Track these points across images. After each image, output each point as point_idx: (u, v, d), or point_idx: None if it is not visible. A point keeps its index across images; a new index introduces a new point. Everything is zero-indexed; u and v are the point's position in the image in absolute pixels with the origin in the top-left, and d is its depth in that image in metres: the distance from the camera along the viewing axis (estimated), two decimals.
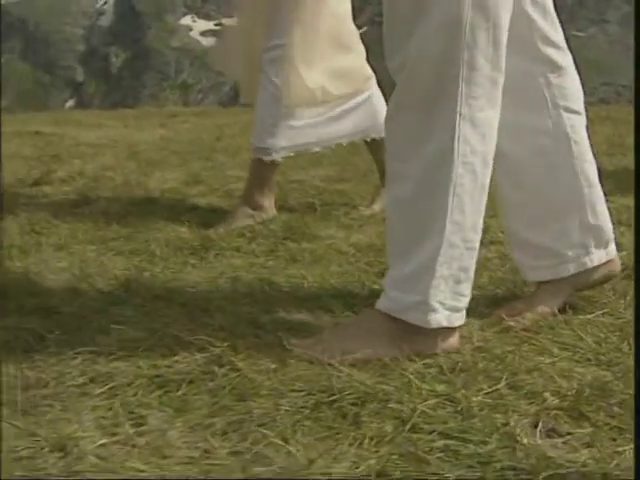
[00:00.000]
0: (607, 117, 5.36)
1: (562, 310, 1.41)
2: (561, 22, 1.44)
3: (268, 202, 2.30)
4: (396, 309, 1.24)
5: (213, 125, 5.61)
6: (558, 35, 1.41)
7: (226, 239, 2.00)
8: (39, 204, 2.61)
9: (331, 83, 2.29)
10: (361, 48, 2.38)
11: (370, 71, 2.40)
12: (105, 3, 38.30)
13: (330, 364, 1.14)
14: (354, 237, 1.99)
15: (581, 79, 1.48)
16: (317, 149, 2.38)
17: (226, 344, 1.20)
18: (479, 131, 1.22)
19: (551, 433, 0.96)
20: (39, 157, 3.90)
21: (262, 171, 2.30)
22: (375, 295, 1.51)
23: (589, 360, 1.21)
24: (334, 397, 1.03)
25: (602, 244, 1.46)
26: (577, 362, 1.20)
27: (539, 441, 0.93)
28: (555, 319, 1.38)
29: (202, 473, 0.87)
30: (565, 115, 1.42)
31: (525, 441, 0.92)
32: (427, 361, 1.16)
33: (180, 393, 1.08)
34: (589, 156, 1.45)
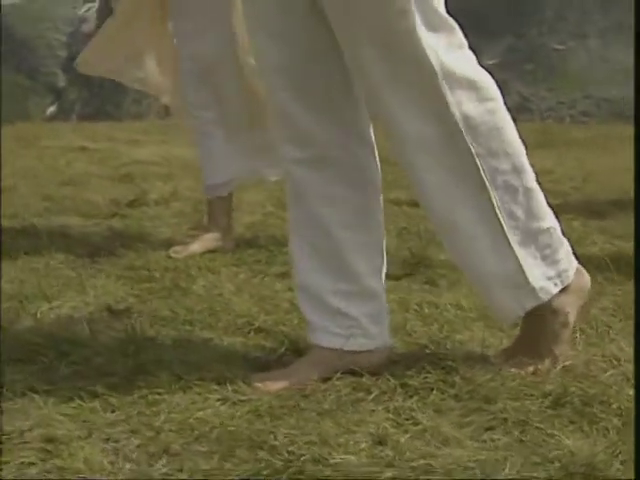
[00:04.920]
0: (592, 139, 5.66)
1: None
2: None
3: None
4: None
5: None
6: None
7: None
8: (157, 225, 2.85)
9: None
10: None
11: None
12: (88, 10, 38.38)
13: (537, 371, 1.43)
14: None
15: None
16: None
17: (451, 360, 1.48)
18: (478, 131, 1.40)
19: None
20: (111, 177, 4.14)
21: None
22: None
23: None
24: (566, 399, 1.32)
25: None
26: None
27: None
28: None
29: (499, 461, 1.15)
30: (375, 193, 1.57)
31: None
32: None
33: (431, 399, 1.36)
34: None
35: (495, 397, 1.34)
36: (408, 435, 1.21)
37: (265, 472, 1.09)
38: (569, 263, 1.51)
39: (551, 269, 1.47)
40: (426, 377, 1.42)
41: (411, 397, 1.36)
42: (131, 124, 8.88)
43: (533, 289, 1.45)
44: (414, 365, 1.47)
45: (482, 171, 1.41)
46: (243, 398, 1.33)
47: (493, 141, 1.41)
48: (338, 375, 1.42)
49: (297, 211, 1.54)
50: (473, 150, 1.40)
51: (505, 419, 1.27)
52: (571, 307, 1.50)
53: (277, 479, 1.06)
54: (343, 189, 1.51)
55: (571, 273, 1.50)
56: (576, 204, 3.21)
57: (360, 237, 1.53)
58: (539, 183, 1.49)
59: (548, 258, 1.47)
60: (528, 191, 1.45)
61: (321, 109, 1.48)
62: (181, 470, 1.11)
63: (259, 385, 1.39)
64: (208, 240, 2.47)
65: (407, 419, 1.28)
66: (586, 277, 1.55)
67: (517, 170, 1.44)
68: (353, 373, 1.43)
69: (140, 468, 1.13)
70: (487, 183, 1.41)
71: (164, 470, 1.11)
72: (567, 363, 1.46)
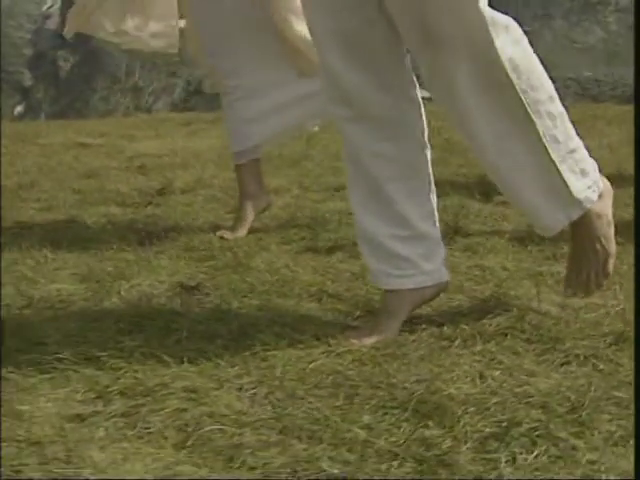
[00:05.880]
0: (595, 116, 5.90)
1: None
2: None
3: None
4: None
5: None
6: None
7: None
8: (195, 210, 3.00)
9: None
10: None
11: None
12: (51, 6, 38.03)
13: None
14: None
15: None
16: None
17: (515, 310, 1.67)
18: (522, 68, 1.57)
19: None
20: (127, 169, 4.27)
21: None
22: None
23: None
24: (625, 336, 1.51)
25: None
26: None
27: None
28: None
29: (584, 385, 1.33)
30: (423, 148, 1.74)
31: None
32: None
33: (507, 343, 1.55)
34: (433, 186, 1.75)
35: (563, 338, 1.54)
36: (499, 372, 1.41)
37: (391, 404, 1.28)
38: (596, 172, 1.70)
39: (588, 179, 1.67)
40: (498, 325, 1.61)
41: (489, 342, 1.55)
42: (119, 120, 9.00)
43: (579, 201, 1.65)
44: (484, 316, 1.66)
45: (527, 105, 1.59)
46: (344, 350, 1.51)
47: (531, 75, 1.60)
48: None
49: (352, 166, 1.72)
50: (518, 87, 1.58)
51: (577, 355, 1.47)
52: (608, 208, 1.71)
53: (405, 408, 1.25)
54: (391, 145, 1.68)
55: (600, 181, 1.71)
56: None
57: (408, 187, 1.70)
58: None
59: (584, 171, 1.66)
60: (562, 115, 1.65)
61: (369, 71, 1.65)
62: (318, 409, 1.28)
63: (354, 340, 1.57)
64: (247, 218, 2.61)
65: (492, 360, 1.48)
66: (606, 181, 1.74)
67: (552, 98, 1.63)
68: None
69: (279, 410, 1.30)
70: (532, 115, 1.60)
71: (303, 409, 1.29)
72: (618, 308, 1.67)
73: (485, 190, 3.04)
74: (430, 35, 1.56)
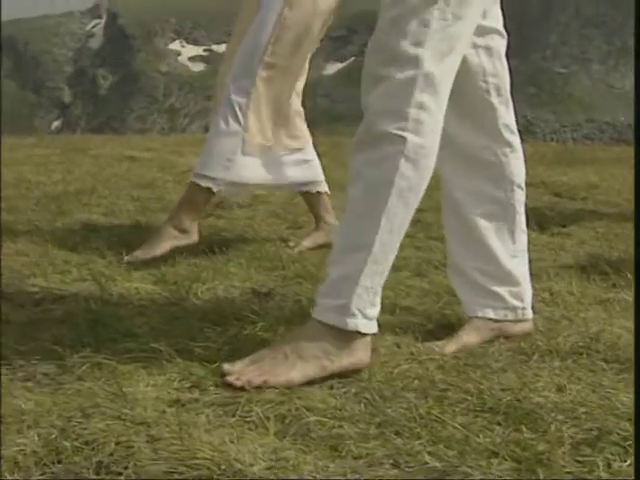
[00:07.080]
0: (618, 159, 5.92)
1: None
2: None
3: (194, 227, 2.58)
4: (319, 312, 1.53)
5: None
6: (513, 121, 1.78)
7: None
8: (254, 224, 3.07)
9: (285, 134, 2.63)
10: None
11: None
12: (95, 26, 38.70)
13: None
14: None
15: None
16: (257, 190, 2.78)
17: (588, 331, 1.71)
18: (420, 174, 1.52)
19: None
20: (179, 182, 4.37)
21: (197, 196, 2.59)
22: None
23: None
24: None
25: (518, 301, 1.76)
26: None
27: None
28: None
29: None
30: (516, 190, 1.77)
31: None
32: None
33: (583, 362, 1.59)
34: (524, 226, 1.80)
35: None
36: (580, 386, 1.45)
37: (481, 408, 1.32)
38: (375, 311, 1.55)
39: (371, 310, 1.53)
40: (572, 344, 1.65)
41: (566, 359, 1.59)
42: (161, 137, 9.17)
43: (352, 313, 1.51)
44: (557, 335, 1.71)
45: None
46: (426, 357, 1.56)
47: (423, 148, 1.50)
48: (500, 340, 1.66)
49: (446, 199, 1.78)
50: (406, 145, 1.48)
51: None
52: (351, 356, 1.50)
53: (496, 412, 1.29)
54: (482, 184, 1.75)
55: (374, 327, 1.54)
56: (631, 214, 3.45)
57: (497, 225, 1.76)
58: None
59: (374, 294, 1.54)
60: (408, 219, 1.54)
61: (465, 115, 1.73)
62: (412, 408, 1.33)
63: (436, 349, 1.62)
64: (318, 236, 2.69)
65: (571, 375, 1.52)
66: (375, 351, 1.54)
67: (417, 195, 1.53)
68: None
69: (370, 408, 1.35)
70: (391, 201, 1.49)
71: (393, 408, 1.34)
72: None
73: (540, 221, 3.11)
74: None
